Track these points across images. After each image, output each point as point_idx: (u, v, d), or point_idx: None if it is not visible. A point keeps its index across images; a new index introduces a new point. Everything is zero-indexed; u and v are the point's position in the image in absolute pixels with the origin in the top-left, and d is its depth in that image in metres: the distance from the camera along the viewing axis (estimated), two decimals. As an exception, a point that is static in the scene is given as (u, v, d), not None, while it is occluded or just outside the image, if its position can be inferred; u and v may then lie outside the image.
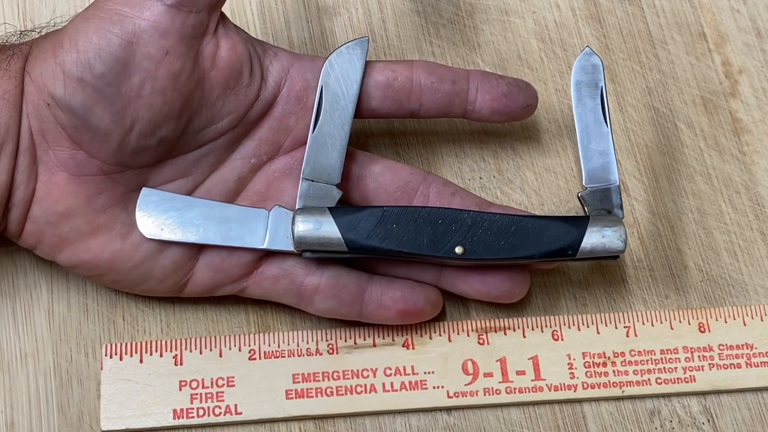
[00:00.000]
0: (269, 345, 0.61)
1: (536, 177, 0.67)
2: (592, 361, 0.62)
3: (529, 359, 0.62)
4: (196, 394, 0.60)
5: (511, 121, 0.64)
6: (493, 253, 0.57)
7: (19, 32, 0.61)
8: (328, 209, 0.57)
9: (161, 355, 0.61)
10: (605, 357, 0.62)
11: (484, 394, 0.61)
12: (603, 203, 0.59)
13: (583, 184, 0.60)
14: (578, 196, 0.60)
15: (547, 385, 0.61)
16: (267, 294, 0.60)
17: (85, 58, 0.54)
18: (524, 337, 0.62)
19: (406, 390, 0.61)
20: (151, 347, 0.61)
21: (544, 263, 0.61)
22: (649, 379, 0.61)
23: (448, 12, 0.71)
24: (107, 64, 0.54)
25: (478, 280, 0.60)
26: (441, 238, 0.57)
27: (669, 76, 0.70)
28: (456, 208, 0.58)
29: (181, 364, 0.61)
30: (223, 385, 0.60)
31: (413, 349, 0.62)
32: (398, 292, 0.59)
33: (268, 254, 0.59)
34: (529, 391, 0.61)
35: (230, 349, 0.61)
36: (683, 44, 0.71)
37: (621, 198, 0.59)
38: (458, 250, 0.57)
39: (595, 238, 0.57)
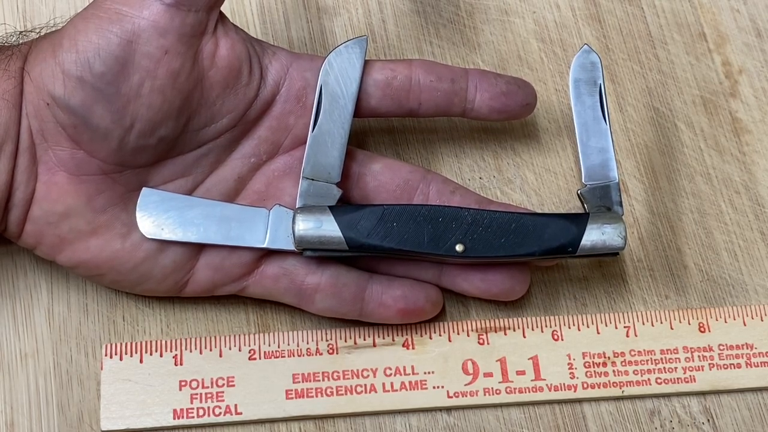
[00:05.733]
0: (269, 345, 0.61)
1: (536, 177, 0.67)
2: (592, 361, 0.62)
3: (529, 359, 0.62)
4: (196, 394, 0.60)
5: (509, 120, 0.65)
6: (493, 251, 0.57)
7: (18, 32, 0.61)
8: (329, 208, 0.57)
9: (161, 355, 0.61)
10: (605, 357, 0.62)
11: (484, 394, 0.61)
12: (602, 200, 0.59)
13: (583, 181, 0.60)
14: (578, 194, 0.60)
15: (547, 385, 0.61)
16: (267, 293, 0.60)
17: (84, 57, 0.54)
18: (524, 337, 0.62)
19: (406, 390, 0.61)
20: (151, 347, 0.61)
21: (545, 260, 0.61)
22: (649, 379, 0.61)
23: (448, 12, 0.71)
24: (107, 64, 0.54)
25: (479, 277, 0.60)
26: (441, 236, 0.57)
27: (669, 76, 0.70)
28: (456, 206, 0.59)
29: (181, 364, 0.61)
30: (223, 385, 0.60)
31: (413, 349, 0.62)
32: (399, 291, 0.60)
33: (268, 253, 0.59)
34: (529, 391, 0.61)
35: (230, 349, 0.61)
36: (683, 44, 0.71)
37: (620, 195, 0.59)
38: (459, 248, 0.57)
39: (594, 235, 0.58)
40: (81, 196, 0.57)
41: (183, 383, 0.60)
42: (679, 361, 0.62)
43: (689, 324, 0.63)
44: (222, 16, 0.58)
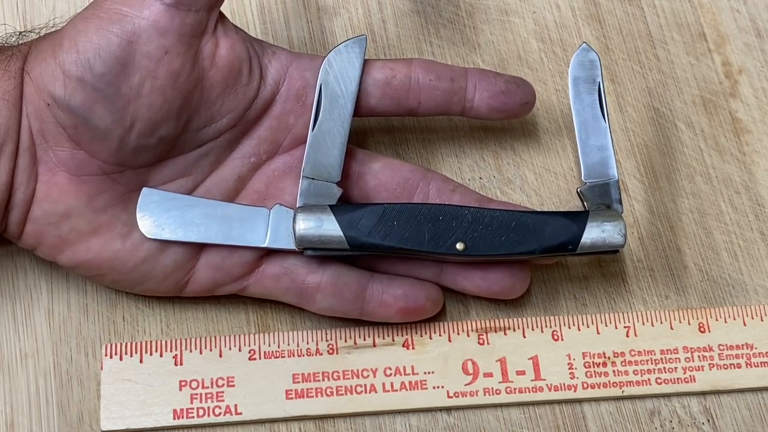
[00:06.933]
0: (269, 345, 0.61)
1: (536, 177, 0.67)
2: (592, 361, 0.62)
3: (529, 359, 0.62)
4: (196, 394, 0.60)
5: (509, 119, 0.64)
6: (493, 249, 0.57)
7: (18, 33, 0.61)
8: (329, 207, 0.58)
9: (161, 355, 0.61)
10: (605, 357, 0.62)
11: (484, 394, 0.61)
12: (602, 198, 0.59)
13: (582, 179, 0.60)
14: (577, 192, 0.60)
15: (547, 385, 0.61)
16: (268, 293, 0.60)
17: (84, 57, 0.54)
18: (524, 337, 0.62)
19: (406, 390, 0.61)
20: (151, 347, 0.61)
21: (545, 259, 0.62)
22: (649, 379, 0.61)
23: (448, 12, 0.71)
24: (107, 64, 0.54)
25: (479, 276, 0.60)
26: (442, 234, 0.57)
27: (669, 76, 0.70)
28: (456, 205, 0.59)
29: (181, 364, 0.61)
30: (223, 385, 0.60)
31: (413, 349, 0.62)
32: (399, 290, 0.60)
33: (268, 253, 0.59)
34: (529, 391, 0.61)
35: (230, 349, 0.61)
36: (683, 44, 0.71)
37: (620, 192, 0.59)
38: (459, 246, 0.57)
39: (594, 233, 0.58)
40: (81, 196, 0.57)
41: (183, 383, 0.60)
42: (679, 361, 0.62)
43: (689, 324, 0.63)
44: (222, 16, 0.58)
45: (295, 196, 0.59)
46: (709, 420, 0.62)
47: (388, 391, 0.61)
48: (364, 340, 0.62)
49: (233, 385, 0.60)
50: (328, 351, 0.61)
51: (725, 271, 0.65)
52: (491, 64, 0.70)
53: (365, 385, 0.61)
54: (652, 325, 0.63)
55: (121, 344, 0.61)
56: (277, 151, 0.60)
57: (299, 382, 0.60)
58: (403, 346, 0.62)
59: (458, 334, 0.62)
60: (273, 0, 0.70)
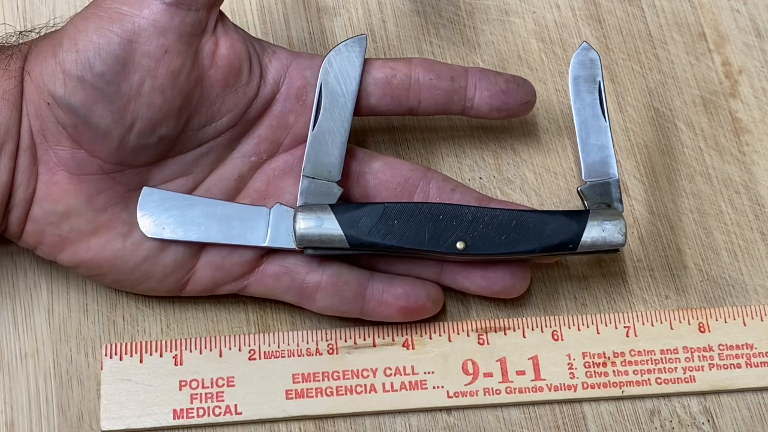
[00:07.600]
0: (269, 345, 0.61)
1: (536, 177, 0.67)
2: (592, 361, 0.62)
3: (529, 359, 0.62)
4: (196, 394, 0.60)
5: (509, 118, 0.64)
6: (494, 248, 0.57)
7: (18, 32, 0.61)
8: (330, 206, 0.57)
9: (161, 355, 0.61)
10: (605, 357, 0.62)
11: (484, 394, 0.61)
12: (602, 197, 0.59)
13: (583, 178, 0.60)
14: (578, 191, 0.60)
15: (547, 385, 0.61)
16: (268, 292, 0.60)
17: (84, 57, 0.54)
18: (524, 337, 0.62)
19: (406, 390, 0.61)
20: (151, 347, 0.61)
21: (545, 258, 0.62)
22: (649, 379, 0.61)
23: (448, 12, 0.71)
24: (107, 63, 0.54)
25: (480, 275, 0.60)
26: (442, 233, 0.57)
27: (669, 76, 0.70)
28: (457, 204, 0.58)
29: (181, 364, 0.61)
30: (223, 385, 0.60)
31: (413, 349, 0.62)
32: (400, 289, 0.60)
33: (269, 252, 0.59)
34: (529, 391, 0.61)
35: (230, 349, 0.61)
36: (683, 44, 0.71)
37: (620, 191, 0.59)
38: (459, 245, 0.57)
39: (595, 232, 0.58)
40: (82, 195, 0.57)
41: (183, 383, 0.60)
42: (679, 361, 0.62)
43: (689, 324, 0.63)
44: (222, 16, 0.58)
45: (296, 195, 0.59)
46: (709, 420, 0.61)
47: (388, 391, 0.61)
48: (364, 340, 0.62)
49: (233, 385, 0.60)
50: (328, 351, 0.61)
51: (725, 271, 0.65)
52: (491, 64, 0.70)
53: (365, 385, 0.61)
54: (652, 325, 0.63)
55: (121, 344, 0.61)
56: (278, 151, 0.60)
57: (299, 382, 0.60)
58: (403, 346, 0.62)
59: (458, 334, 0.62)
60: (273, 0, 0.70)
